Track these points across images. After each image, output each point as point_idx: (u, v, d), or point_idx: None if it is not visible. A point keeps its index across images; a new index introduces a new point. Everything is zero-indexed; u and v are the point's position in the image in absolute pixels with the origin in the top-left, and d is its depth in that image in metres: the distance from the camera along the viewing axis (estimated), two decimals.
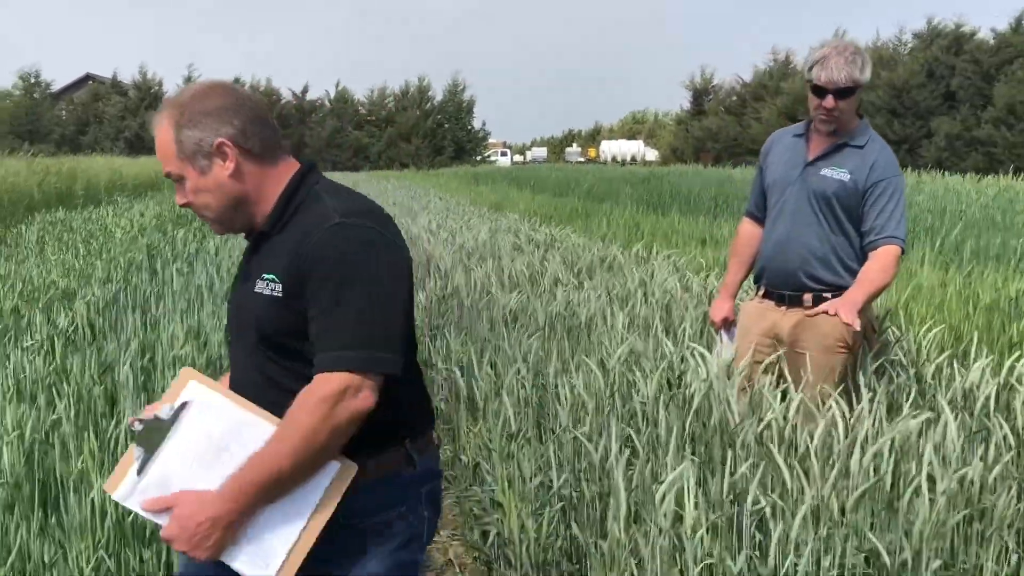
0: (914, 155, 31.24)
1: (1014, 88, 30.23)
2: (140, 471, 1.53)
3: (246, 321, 1.60)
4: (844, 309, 2.68)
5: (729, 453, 2.46)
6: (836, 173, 2.95)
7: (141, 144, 43.16)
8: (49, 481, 2.75)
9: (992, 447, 2.43)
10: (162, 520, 1.50)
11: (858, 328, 2.67)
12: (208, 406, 1.56)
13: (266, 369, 1.57)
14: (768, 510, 2.25)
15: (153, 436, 1.55)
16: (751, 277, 3.31)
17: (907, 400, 2.81)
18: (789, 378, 2.89)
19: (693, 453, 2.63)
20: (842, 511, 2.20)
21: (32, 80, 48.59)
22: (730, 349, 3.15)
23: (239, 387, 1.60)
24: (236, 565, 1.49)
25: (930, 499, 2.19)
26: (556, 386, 3.21)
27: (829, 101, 2.88)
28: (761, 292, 3.14)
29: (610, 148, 69.50)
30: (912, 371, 3.16)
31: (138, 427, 1.56)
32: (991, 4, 34.85)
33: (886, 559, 2.12)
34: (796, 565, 2.12)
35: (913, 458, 2.39)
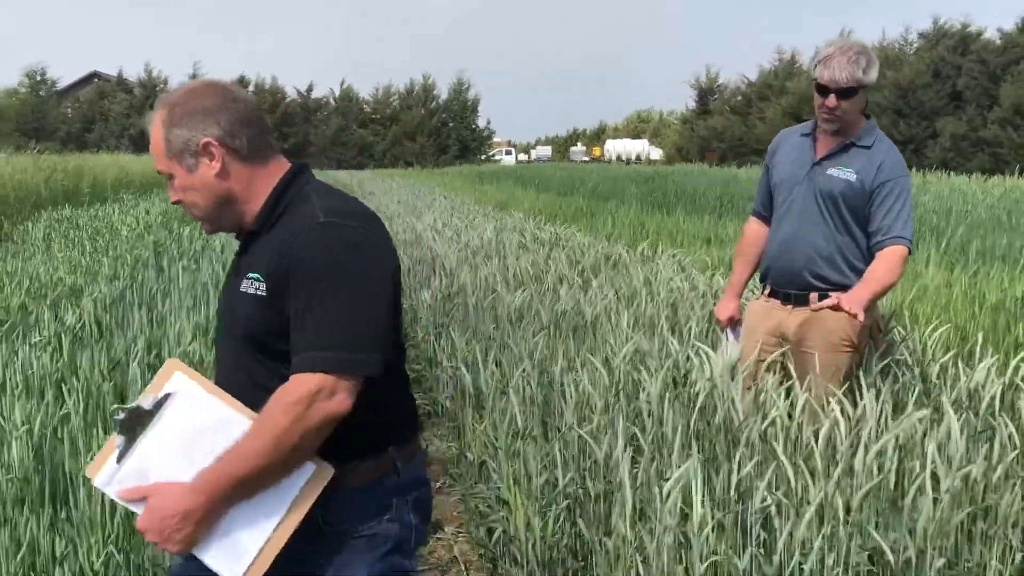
0: (920, 155, 31.18)
1: (1020, 88, 30.15)
2: (120, 459, 1.54)
3: (232, 320, 1.60)
4: (850, 301, 2.69)
5: (733, 451, 2.47)
6: (843, 173, 2.95)
7: (146, 142, 42.02)
8: (58, 476, 2.77)
9: (996, 446, 2.44)
10: (139, 509, 1.50)
11: (862, 320, 2.67)
12: (191, 399, 1.56)
13: (251, 369, 1.56)
14: (773, 508, 2.26)
15: (134, 425, 1.55)
16: (757, 276, 3.32)
17: (912, 399, 2.81)
18: (795, 377, 2.90)
19: (699, 451, 2.64)
20: (847, 509, 2.21)
21: (38, 78, 48.70)
22: (736, 348, 3.16)
23: (224, 386, 1.59)
24: (207, 560, 1.49)
25: (934, 498, 2.19)
26: (562, 384, 3.22)
27: (831, 100, 2.89)
28: (767, 291, 3.15)
29: (615, 147, 69.45)
30: (917, 371, 3.17)
31: (119, 416, 1.55)
32: (998, 4, 34.76)
33: (890, 557, 2.12)
34: (802, 565, 2.13)
35: (917, 457, 2.39)
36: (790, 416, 2.62)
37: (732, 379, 2.78)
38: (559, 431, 3.05)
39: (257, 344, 1.55)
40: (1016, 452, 2.42)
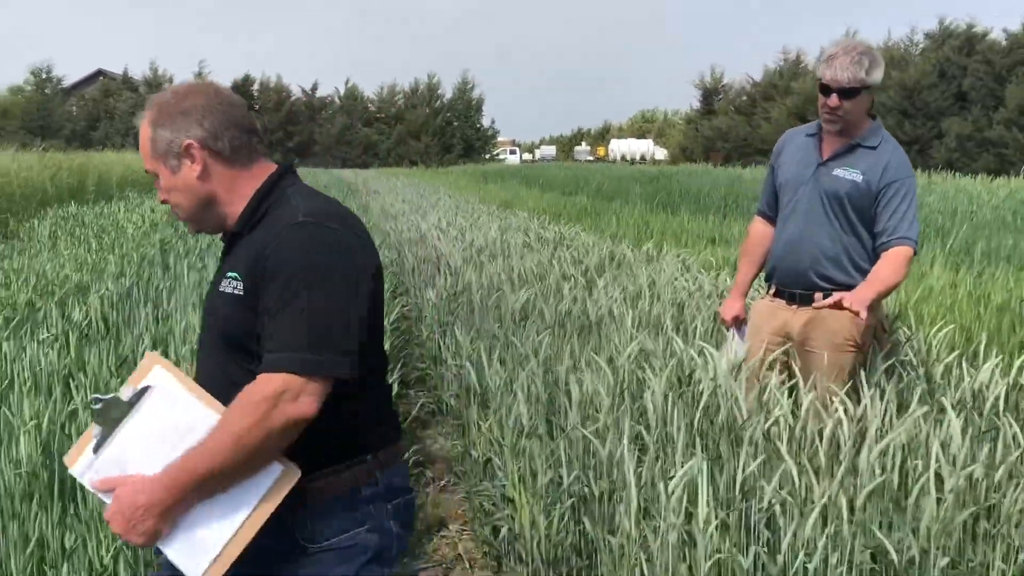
0: (925, 156, 31.12)
1: None
2: (96, 449, 1.55)
3: (212, 320, 1.61)
4: (852, 300, 2.70)
5: (736, 450, 2.48)
6: (849, 173, 2.96)
7: None
8: (66, 472, 2.78)
9: (1000, 446, 2.44)
10: (109, 500, 1.51)
11: (864, 319, 2.68)
12: (168, 394, 1.56)
13: (228, 370, 1.55)
14: (777, 507, 2.27)
15: (110, 416, 1.55)
16: (762, 276, 3.32)
17: (916, 399, 2.82)
18: (799, 376, 2.91)
19: (703, 450, 2.65)
20: (851, 509, 2.22)
21: (43, 76, 48.81)
22: (742, 347, 3.17)
23: (204, 385, 1.58)
24: (170, 555, 1.50)
25: (938, 497, 2.20)
26: (567, 383, 3.23)
27: (833, 100, 2.90)
28: (772, 291, 3.16)
29: (619, 147, 69.40)
30: (921, 371, 3.17)
31: (97, 405, 1.56)
32: (1004, 4, 34.68)
33: (894, 556, 2.13)
34: (806, 564, 2.14)
35: (921, 456, 2.40)
36: (794, 415, 2.63)
37: (735, 378, 2.79)
38: (563, 431, 3.06)
39: (234, 344, 1.55)
40: (1020, 452, 2.43)
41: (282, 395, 1.42)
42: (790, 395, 2.76)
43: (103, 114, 48.77)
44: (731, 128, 42.87)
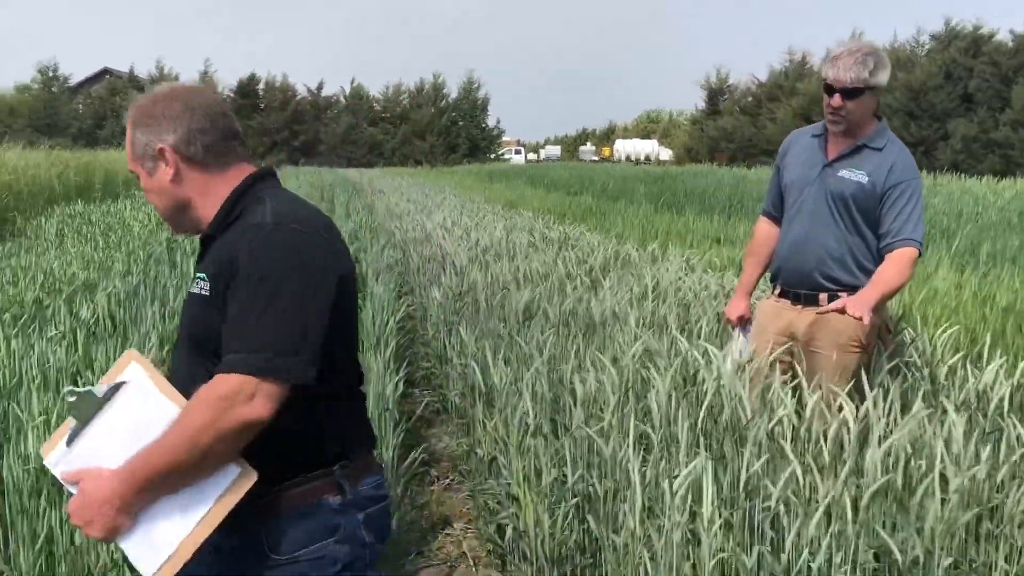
0: (930, 157, 31.07)
1: None
2: (70, 442, 1.56)
3: (184, 321, 1.62)
4: (855, 304, 2.71)
5: (740, 449, 2.48)
6: (854, 175, 2.96)
7: None
8: None
9: (1004, 447, 2.45)
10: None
11: (867, 323, 2.69)
12: (141, 391, 1.57)
13: (193, 371, 1.55)
14: (782, 507, 2.27)
15: (84, 410, 1.56)
16: (767, 276, 3.33)
17: (920, 400, 2.82)
18: (803, 376, 2.91)
19: (706, 450, 2.66)
20: (855, 508, 2.23)
21: (50, 74, 48.94)
22: (746, 347, 3.18)
23: (176, 386, 1.58)
24: (126, 550, 1.50)
25: (942, 498, 2.21)
26: (571, 382, 3.24)
27: (836, 100, 2.90)
28: (777, 291, 3.16)
29: (624, 147, 69.41)
30: (926, 371, 3.18)
31: (71, 399, 1.57)
32: (1010, 5, 34.56)
33: (898, 556, 2.14)
34: (810, 563, 2.15)
35: (925, 457, 2.41)
36: (798, 415, 2.64)
37: (740, 378, 2.80)
38: (567, 430, 3.07)
39: (201, 345, 1.55)
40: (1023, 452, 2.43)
41: (236, 396, 1.40)
42: (794, 395, 2.77)
43: (109, 113, 48.82)
44: (736, 128, 42.81)
